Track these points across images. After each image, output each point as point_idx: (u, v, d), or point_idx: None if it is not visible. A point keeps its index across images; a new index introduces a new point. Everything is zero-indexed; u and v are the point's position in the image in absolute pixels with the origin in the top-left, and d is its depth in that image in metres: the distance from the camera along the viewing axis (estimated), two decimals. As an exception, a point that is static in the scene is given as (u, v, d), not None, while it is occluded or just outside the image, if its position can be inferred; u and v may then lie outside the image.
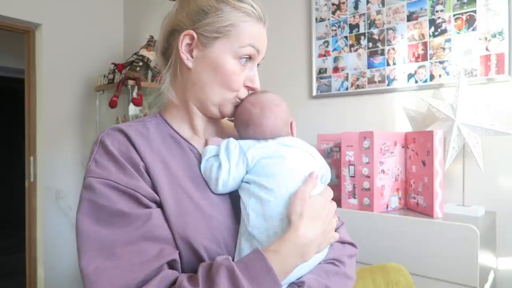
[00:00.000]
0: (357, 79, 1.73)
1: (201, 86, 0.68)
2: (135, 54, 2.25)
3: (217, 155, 0.68)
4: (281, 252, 0.55)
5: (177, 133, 0.71)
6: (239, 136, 0.72)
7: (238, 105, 0.71)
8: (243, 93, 0.70)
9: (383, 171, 1.37)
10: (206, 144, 0.71)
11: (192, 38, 0.67)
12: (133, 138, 0.63)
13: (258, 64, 0.73)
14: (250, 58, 0.69)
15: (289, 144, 0.69)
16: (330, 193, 0.67)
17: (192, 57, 0.68)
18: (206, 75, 0.67)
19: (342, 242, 0.76)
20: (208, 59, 0.67)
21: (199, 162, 0.68)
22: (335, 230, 0.70)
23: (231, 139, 0.69)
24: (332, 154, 1.59)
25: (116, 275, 0.51)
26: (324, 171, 0.75)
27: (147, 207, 0.59)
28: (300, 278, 0.63)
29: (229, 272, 0.52)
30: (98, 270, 0.51)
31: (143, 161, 0.62)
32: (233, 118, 0.74)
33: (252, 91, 0.72)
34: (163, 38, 0.73)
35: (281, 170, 0.65)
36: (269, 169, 0.65)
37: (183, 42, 0.68)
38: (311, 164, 0.70)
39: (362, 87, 1.71)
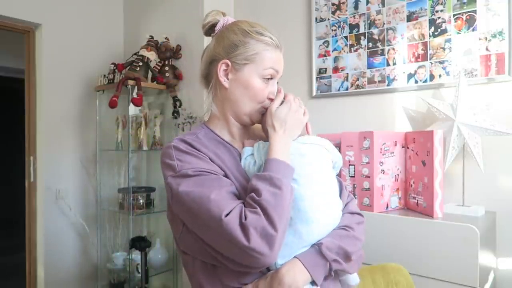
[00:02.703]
0: (357, 79, 1.73)
1: (235, 100, 0.90)
2: (135, 54, 2.25)
3: (252, 154, 0.88)
4: (276, 149, 0.83)
5: (221, 138, 0.93)
6: (267, 138, 0.90)
7: (264, 114, 0.91)
8: (267, 103, 0.91)
9: (383, 171, 1.37)
10: (243, 145, 0.93)
11: (227, 65, 0.89)
12: (193, 144, 0.86)
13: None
14: (272, 76, 0.90)
15: (306, 142, 0.89)
16: (291, 103, 0.89)
17: (227, 79, 0.90)
18: (239, 92, 0.90)
19: (352, 213, 0.94)
20: (240, 80, 0.89)
21: (240, 158, 0.90)
22: (346, 204, 0.95)
23: (261, 142, 0.90)
24: (332, 154, 1.59)
25: (223, 203, 0.76)
26: (336, 159, 0.94)
27: (227, 177, 0.84)
28: (319, 240, 0.83)
29: (256, 176, 0.79)
30: (216, 199, 0.76)
31: (206, 155, 0.85)
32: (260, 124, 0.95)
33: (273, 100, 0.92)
34: (204, 66, 0.95)
35: (299, 163, 0.84)
36: (291, 164, 0.82)
37: (221, 69, 0.89)
38: (324, 155, 0.90)
39: (362, 87, 1.71)
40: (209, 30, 0.96)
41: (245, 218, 0.73)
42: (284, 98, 0.91)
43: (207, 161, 0.84)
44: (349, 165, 1.42)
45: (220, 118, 0.95)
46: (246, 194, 0.80)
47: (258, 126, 0.99)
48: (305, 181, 0.84)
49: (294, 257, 0.81)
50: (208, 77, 0.95)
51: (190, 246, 0.85)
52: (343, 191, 0.96)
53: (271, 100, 0.91)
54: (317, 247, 0.82)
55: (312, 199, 0.83)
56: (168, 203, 0.87)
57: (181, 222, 0.85)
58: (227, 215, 0.73)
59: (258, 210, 0.74)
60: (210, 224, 0.75)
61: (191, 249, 0.85)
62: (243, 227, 0.72)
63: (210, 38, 0.97)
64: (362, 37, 1.71)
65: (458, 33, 1.47)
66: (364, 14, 1.71)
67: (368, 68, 1.70)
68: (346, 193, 0.98)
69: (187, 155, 0.84)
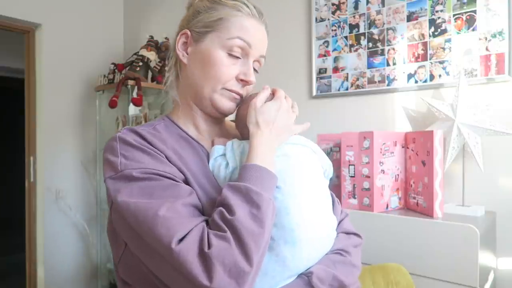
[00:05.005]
0: (357, 79, 1.73)
1: (194, 79, 0.72)
2: (135, 54, 2.25)
3: (224, 155, 0.71)
4: (258, 151, 0.64)
5: (185, 132, 0.74)
6: (242, 137, 0.75)
7: (239, 107, 0.75)
8: (234, 85, 0.72)
9: (383, 171, 1.37)
10: (213, 144, 0.74)
11: (187, 36, 0.73)
12: (148, 138, 0.66)
13: (259, 68, 0.77)
14: (242, 52, 0.71)
15: (291, 142, 0.73)
16: (281, 101, 0.71)
17: (187, 54, 0.73)
18: (197, 68, 0.71)
19: (347, 233, 0.79)
20: (199, 53, 0.71)
21: (208, 160, 0.72)
22: (340, 222, 0.79)
23: (236, 140, 0.73)
24: (332, 154, 1.59)
25: (175, 223, 0.56)
26: (325, 165, 0.78)
27: (188, 184, 0.65)
28: (309, 268, 0.66)
29: (228, 186, 0.60)
30: (166, 217, 0.56)
31: (163, 153, 0.66)
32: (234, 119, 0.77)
33: (245, 84, 0.74)
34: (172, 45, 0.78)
35: (284, 167, 0.68)
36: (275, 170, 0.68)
37: (180, 41, 0.73)
38: (312, 158, 0.74)
39: (362, 87, 1.71)
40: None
41: (209, 246, 0.53)
42: (272, 94, 0.73)
43: (161, 160, 0.64)
44: (349, 165, 1.42)
45: (182, 106, 0.76)
46: (213, 208, 0.60)
47: (233, 124, 0.82)
48: (291, 190, 0.66)
49: None
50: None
51: (133, 273, 0.65)
52: (335, 205, 0.80)
53: (244, 82, 0.72)
54: (306, 277, 0.64)
55: (300, 212, 0.65)
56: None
57: (123, 241, 0.64)
58: (180, 240, 0.54)
59: (227, 234, 0.54)
60: (158, 251, 0.55)
61: (134, 278, 0.66)
62: (204, 260, 0.52)
63: None
64: (362, 37, 1.71)
65: (458, 33, 1.47)
66: (364, 14, 1.71)
67: (368, 68, 1.70)
68: (339, 208, 0.81)
69: (135, 150, 0.63)
